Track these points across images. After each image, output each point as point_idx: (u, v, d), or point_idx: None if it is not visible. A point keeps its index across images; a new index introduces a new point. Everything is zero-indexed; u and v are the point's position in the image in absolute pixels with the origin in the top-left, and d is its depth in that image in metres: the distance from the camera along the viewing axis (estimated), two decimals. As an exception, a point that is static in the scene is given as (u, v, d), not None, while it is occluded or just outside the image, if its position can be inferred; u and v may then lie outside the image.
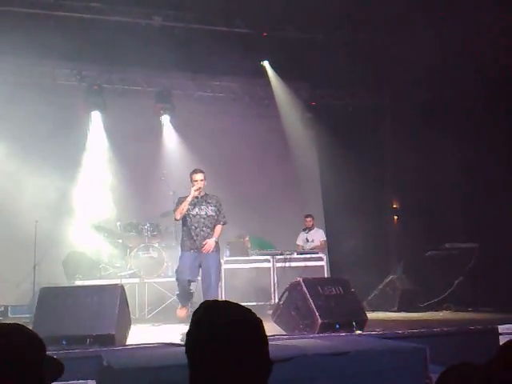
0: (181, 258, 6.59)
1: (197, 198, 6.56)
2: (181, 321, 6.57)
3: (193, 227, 6.54)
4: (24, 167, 8.97)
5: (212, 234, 6.56)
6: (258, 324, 1.50)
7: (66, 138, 9.46)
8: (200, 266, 6.54)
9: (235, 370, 1.41)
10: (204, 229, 6.54)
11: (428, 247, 9.12)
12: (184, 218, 6.59)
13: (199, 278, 6.75)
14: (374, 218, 10.45)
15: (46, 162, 9.04)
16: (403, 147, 10.30)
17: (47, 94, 9.62)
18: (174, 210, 6.65)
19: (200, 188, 6.47)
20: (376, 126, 11.11)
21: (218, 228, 6.64)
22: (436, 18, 8.14)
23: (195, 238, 6.51)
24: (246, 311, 1.51)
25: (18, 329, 1.63)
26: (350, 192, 10.02)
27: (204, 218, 6.55)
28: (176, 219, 6.68)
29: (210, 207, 6.60)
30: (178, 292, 6.73)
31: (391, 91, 11.06)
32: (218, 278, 6.66)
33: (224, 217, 6.67)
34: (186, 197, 6.55)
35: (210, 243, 6.48)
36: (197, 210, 6.55)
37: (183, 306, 6.70)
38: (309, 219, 9.74)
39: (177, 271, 6.59)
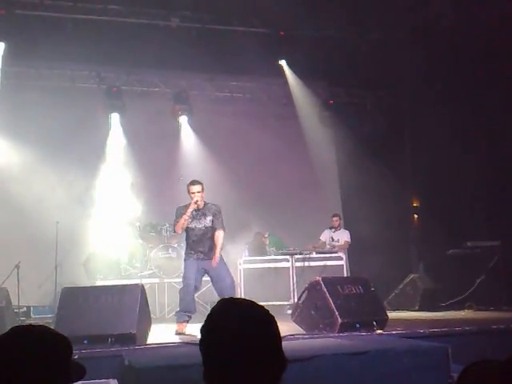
0: (186, 265, 6.55)
1: (195, 210, 6.45)
2: (182, 334, 6.20)
3: (193, 239, 6.50)
4: (44, 169, 9.09)
5: (213, 244, 6.47)
6: (271, 320, 1.50)
7: (86, 140, 9.54)
8: (205, 274, 6.53)
9: (247, 365, 1.41)
10: (204, 240, 6.48)
11: (449, 246, 9.01)
12: (185, 230, 6.56)
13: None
14: (394, 216, 10.35)
15: (66, 163, 9.14)
16: (423, 145, 10.21)
17: (66, 97, 9.72)
18: (174, 224, 6.57)
19: (198, 201, 6.37)
20: (395, 124, 11.01)
21: (219, 237, 6.48)
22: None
23: (196, 249, 6.47)
24: (259, 308, 1.52)
25: (45, 330, 1.66)
26: (370, 191, 9.94)
27: (202, 231, 6.47)
28: (177, 233, 6.60)
29: (207, 218, 6.49)
30: (178, 308, 6.45)
31: (410, 88, 10.95)
32: (232, 278, 6.56)
33: (222, 225, 6.52)
34: (185, 207, 6.47)
35: (216, 260, 6.40)
36: (195, 223, 6.47)
37: (183, 321, 6.30)
38: (335, 218, 9.67)
39: (183, 278, 6.52)
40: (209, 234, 6.49)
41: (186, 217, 6.37)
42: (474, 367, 1.54)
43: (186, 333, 6.12)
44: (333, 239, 9.60)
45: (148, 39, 8.86)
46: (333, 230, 9.66)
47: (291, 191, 10.59)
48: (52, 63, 9.65)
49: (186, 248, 6.64)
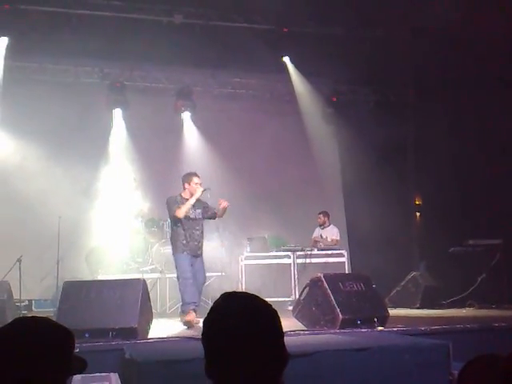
0: (178, 259, 6.59)
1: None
2: (190, 326, 6.22)
3: (185, 228, 6.62)
4: (47, 164, 9.12)
5: (201, 236, 6.75)
6: (273, 314, 1.49)
7: (89, 135, 9.56)
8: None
9: (249, 359, 1.40)
10: (193, 231, 6.66)
11: (451, 244, 9.01)
12: (177, 220, 6.64)
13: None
14: (396, 214, 10.32)
15: (69, 159, 9.17)
16: (425, 143, 10.19)
17: (70, 92, 9.72)
18: (175, 210, 6.58)
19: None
20: (398, 122, 10.99)
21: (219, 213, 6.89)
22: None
23: (187, 239, 6.58)
24: (262, 302, 1.51)
25: (48, 322, 1.66)
26: (372, 188, 9.93)
27: (193, 221, 6.68)
28: (179, 217, 6.56)
29: (197, 211, 6.74)
30: (181, 302, 6.51)
31: (414, 85, 10.93)
32: (205, 277, 6.93)
33: (214, 208, 6.88)
34: (178, 197, 6.66)
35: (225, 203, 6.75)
36: (190, 212, 6.67)
37: (189, 310, 6.30)
38: (320, 216, 9.67)
39: (181, 272, 6.50)
40: (196, 226, 6.69)
41: (190, 204, 6.58)
42: (477, 361, 1.55)
43: (195, 323, 6.13)
44: (321, 236, 9.62)
45: (151, 35, 8.86)
46: (322, 226, 9.68)
47: (293, 188, 10.59)
48: (55, 58, 9.65)
49: (174, 239, 6.71)
